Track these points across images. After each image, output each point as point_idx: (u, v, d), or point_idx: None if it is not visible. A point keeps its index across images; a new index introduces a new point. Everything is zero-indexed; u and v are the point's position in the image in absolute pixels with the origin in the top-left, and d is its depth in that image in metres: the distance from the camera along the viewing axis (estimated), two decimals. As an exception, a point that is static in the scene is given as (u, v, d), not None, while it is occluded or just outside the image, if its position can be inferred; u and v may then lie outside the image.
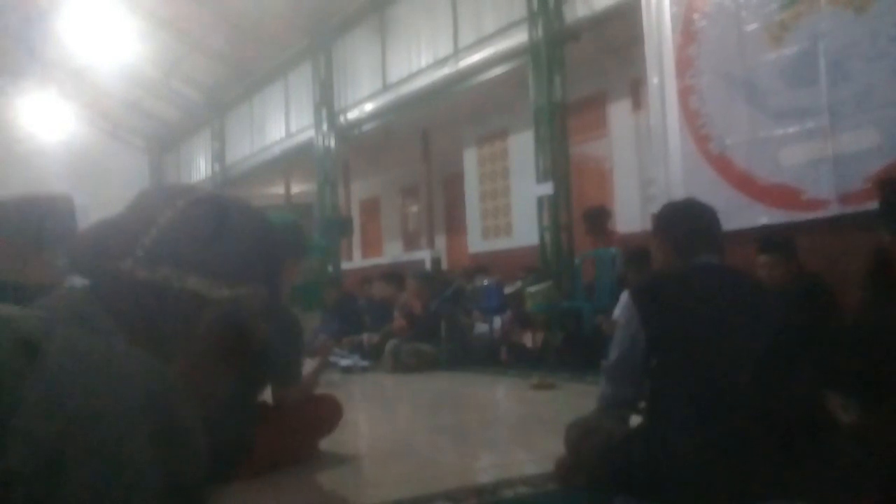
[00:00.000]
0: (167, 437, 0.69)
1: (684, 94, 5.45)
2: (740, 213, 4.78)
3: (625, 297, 5.08)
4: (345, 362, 6.40)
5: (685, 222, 2.15)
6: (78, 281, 0.92)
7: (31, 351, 0.67)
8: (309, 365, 3.15)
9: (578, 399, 3.80)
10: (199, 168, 15.67)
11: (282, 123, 12.54)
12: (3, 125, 14.58)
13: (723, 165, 5.14)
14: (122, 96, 14.72)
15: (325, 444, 2.99)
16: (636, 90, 7.75)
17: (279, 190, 14.32)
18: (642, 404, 2.08)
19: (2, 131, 14.53)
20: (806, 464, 1.76)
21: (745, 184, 4.98)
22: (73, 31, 11.84)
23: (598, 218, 6.39)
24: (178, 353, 0.87)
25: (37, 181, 14.41)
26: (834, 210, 4.48)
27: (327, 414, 3.00)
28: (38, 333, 0.68)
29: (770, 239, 3.98)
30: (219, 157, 14.64)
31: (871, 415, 2.04)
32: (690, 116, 5.40)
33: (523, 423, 3.94)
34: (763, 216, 4.84)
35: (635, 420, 2.12)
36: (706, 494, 1.74)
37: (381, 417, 4.48)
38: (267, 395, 2.89)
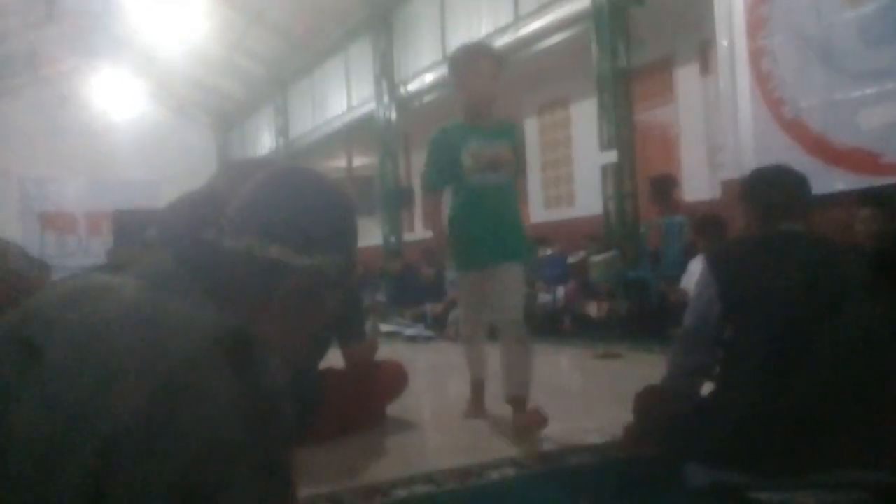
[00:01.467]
0: (257, 398, 0.73)
1: (756, 56, 5.25)
2: (815, 179, 4.50)
3: (694, 265, 5.01)
4: (409, 332, 6.49)
5: (770, 188, 2.09)
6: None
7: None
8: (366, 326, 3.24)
9: (644, 368, 3.77)
10: (264, 143, 15.96)
11: (343, 96, 12.63)
12: (78, 103, 15.12)
13: (797, 130, 4.95)
14: (188, 74, 15.06)
15: (391, 410, 3.06)
16: (704, 54, 7.50)
17: (341, 163, 14.47)
18: (715, 372, 2.05)
19: (77, 109, 15.08)
20: (883, 433, 1.72)
21: (820, 148, 4.79)
22: (141, 9, 12.16)
23: (664, 186, 6.25)
24: (260, 320, 0.90)
25: (109, 157, 14.99)
26: (916, 174, 4.28)
27: (393, 380, 3.07)
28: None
29: (875, 193, 3.85)
30: (282, 131, 14.87)
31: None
32: (762, 79, 5.20)
33: (589, 391, 3.93)
34: (839, 181, 4.65)
35: (707, 388, 2.09)
36: (779, 463, 1.72)
37: (445, 385, 4.54)
38: (334, 360, 2.96)
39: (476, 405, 3.13)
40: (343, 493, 2.04)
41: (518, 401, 2.76)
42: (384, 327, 5.20)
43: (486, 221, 2.82)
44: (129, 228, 5.58)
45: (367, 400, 2.90)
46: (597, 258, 6.32)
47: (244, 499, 0.69)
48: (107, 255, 5.75)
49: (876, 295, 1.87)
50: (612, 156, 6.81)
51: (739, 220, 2.15)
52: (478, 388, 3.17)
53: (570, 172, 9.63)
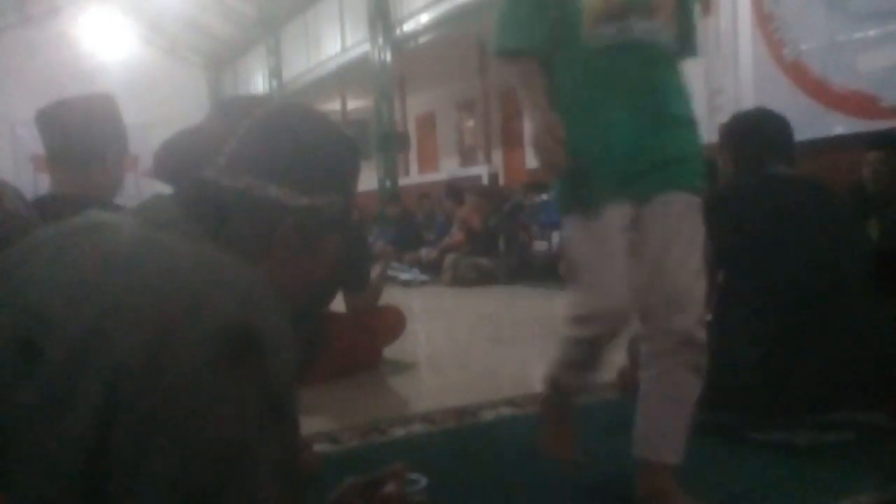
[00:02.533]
0: (262, 335, 0.73)
1: (757, -3, 5.15)
2: (815, 122, 4.57)
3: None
4: (405, 276, 6.51)
5: (755, 132, 2.08)
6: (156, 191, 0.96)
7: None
8: (373, 271, 3.24)
9: (638, 312, 3.81)
10: (257, 84, 15.71)
11: (337, 37, 12.39)
12: (66, 43, 14.81)
13: (797, 72, 4.89)
14: (178, 14, 14.72)
15: (389, 352, 3.10)
16: (705, -6, 7.36)
17: (335, 105, 14.29)
18: (707, 316, 2.07)
19: (65, 49, 14.77)
20: (878, 377, 1.75)
21: (820, 91, 4.74)
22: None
23: None
24: (261, 259, 0.90)
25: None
26: (915, 119, 4.25)
27: (391, 323, 3.10)
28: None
29: (881, 136, 3.82)
30: (275, 72, 14.63)
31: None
32: (763, 20, 5.12)
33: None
34: (839, 125, 4.63)
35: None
36: (773, 402, 1.75)
37: (441, 329, 4.59)
38: (335, 304, 2.98)
39: (562, 436, 1.73)
40: (342, 431, 2.08)
41: (650, 467, 1.58)
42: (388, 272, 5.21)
43: (631, 114, 1.51)
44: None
45: (366, 343, 2.94)
46: (592, 203, 6.30)
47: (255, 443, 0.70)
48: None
49: (863, 237, 1.88)
50: (609, 99, 6.73)
51: (724, 164, 2.14)
52: (566, 413, 1.75)
53: (566, 116, 9.52)
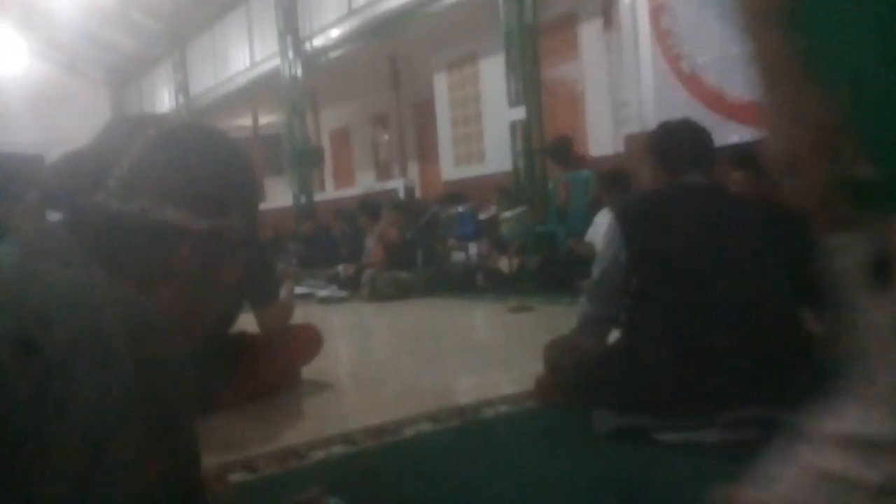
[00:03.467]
0: (152, 368, 0.70)
1: (656, 12, 5.37)
2: (712, 132, 4.77)
3: (600, 217, 5.14)
4: (322, 293, 6.43)
5: (675, 141, 2.16)
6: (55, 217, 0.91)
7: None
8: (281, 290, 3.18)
9: (554, 320, 3.88)
10: (163, 101, 15.25)
11: (246, 52, 12.18)
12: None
13: (694, 84, 5.12)
14: (77, 28, 14.14)
15: (306, 372, 3.04)
16: (607, 10, 7.61)
17: (247, 121, 14.02)
18: (621, 321, 2.13)
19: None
20: (782, 373, 1.83)
21: (716, 102, 4.98)
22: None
23: (562, 147, 6.40)
24: (157, 285, 0.86)
25: (-6, 118, 14.00)
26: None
27: (307, 342, 3.03)
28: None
29: (745, 155, 4.00)
30: (182, 88, 14.24)
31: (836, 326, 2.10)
32: (662, 35, 5.34)
33: (502, 345, 4.01)
34: (734, 134, 4.86)
35: (613, 337, 2.17)
36: (683, 403, 1.81)
37: (360, 345, 4.54)
38: (247, 325, 2.91)
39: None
40: (259, 458, 2.02)
41: None
42: (297, 289, 5.13)
43: None
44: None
45: (281, 363, 2.86)
46: (507, 214, 6.40)
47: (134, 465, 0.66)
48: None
49: (774, 243, 1.96)
50: (520, 112, 6.87)
51: (645, 173, 2.21)
52: None
53: (479, 129, 9.66)
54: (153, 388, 0.68)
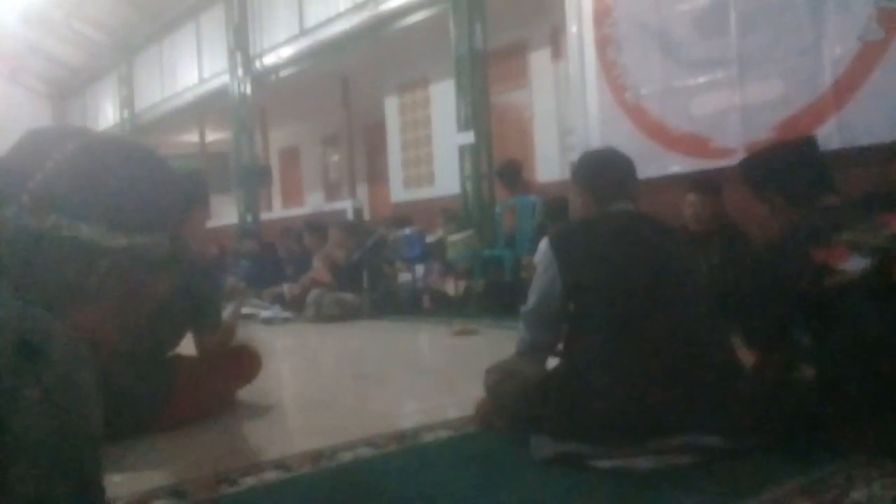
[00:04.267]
0: (56, 392, 0.66)
1: (602, 43, 5.49)
2: (653, 162, 4.90)
3: (543, 244, 5.19)
4: (265, 314, 6.32)
5: (602, 171, 2.20)
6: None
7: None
8: (225, 311, 3.10)
9: (499, 344, 3.87)
10: (107, 115, 14.91)
11: (194, 68, 12.02)
12: None
13: (638, 115, 5.24)
14: (18, 37, 13.75)
15: (245, 395, 2.97)
16: (556, 39, 7.77)
17: (193, 138, 13.80)
18: (559, 348, 2.14)
19: None
20: (713, 401, 1.86)
21: (658, 133, 5.10)
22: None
23: (511, 171, 6.47)
24: (71, 305, 0.83)
25: (-74, 128, 13.46)
26: (740, 158, 4.64)
27: (246, 364, 2.97)
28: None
29: (699, 180, 4.12)
30: (127, 103, 13.95)
31: (765, 357, 2.15)
32: (608, 66, 5.46)
33: (445, 369, 4.00)
34: (675, 164, 4.99)
35: (552, 363, 2.18)
36: (618, 430, 1.82)
37: (303, 367, 4.47)
38: (184, 346, 2.83)
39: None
40: (188, 483, 1.96)
41: None
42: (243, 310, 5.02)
43: None
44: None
45: (217, 386, 2.79)
46: (454, 237, 6.42)
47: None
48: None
49: (697, 269, 2.01)
50: (469, 137, 6.92)
51: (574, 200, 2.24)
52: None
53: (429, 153, 9.70)
54: (51, 413, 0.65)
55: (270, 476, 2.01)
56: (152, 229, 0.86)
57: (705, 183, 4.03)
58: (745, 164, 2.40)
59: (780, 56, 4.48)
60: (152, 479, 2.01)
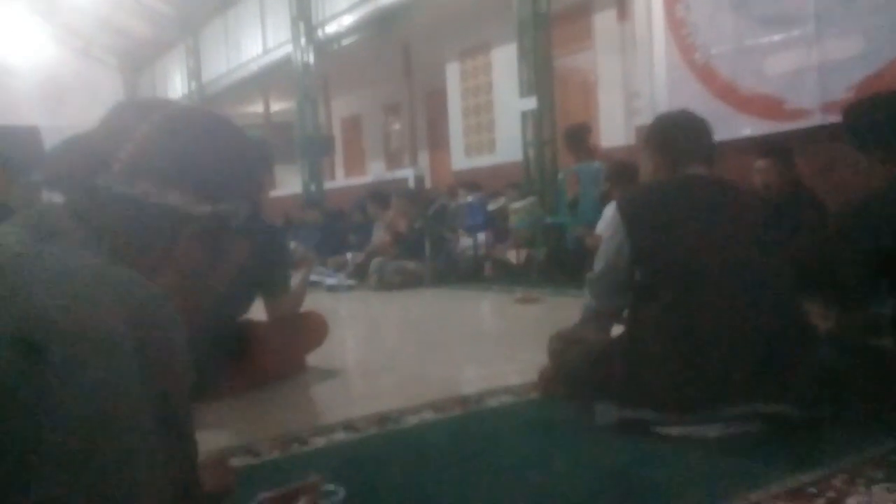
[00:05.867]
0: (154, 350, 0.70)
1: (671, 2, 5.32)
2: (723, 124, 4.72)
3: (608, 210, 5.11)
4: (330, 281, 6.44)
5: (676, 132, 2.13)
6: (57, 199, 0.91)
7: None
8: (294, 278, 3.18)
9: (561, 312, 3.87)
10: (175, 86, 15.29)
11: (258, 39, 12.18)
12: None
13: (707, 75, 5.08)
14: (91, 13, 14.17)
15: (312, 359, 3.05)
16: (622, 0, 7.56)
17: (258, 108, 14.04)
18: (625, 314, 2.12)
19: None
20: (784, 369, 1.82)
21: (728, 94, 4.94)
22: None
23: (579, 135, 6.34)
24: (160, 269, 0.86)
25: (10, 103, 14.06)
26: (816, 120, 4.47)
27: (313, 329, 3.05)
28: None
29: (770, 145, 3.99)
30: (195, 74, 14.27)
31: (845, 322, 2.09)
32: (676, 26, 5.29)
33: (507, 336, 4.01)
34: (746, 127, 4.83)
35: (617, 330, 2.16)
36: (685, 397, 1.80)
37: (366, 334, 4.56)
38: (255, 311, 2.92)
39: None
40: (261, 442, 2.03)
41: None
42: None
43: None
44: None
45: (287, 351, 2.88)
46: (516, 205, 6.39)
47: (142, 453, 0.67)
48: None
49: (780, 237, 1.95)
50: (531, 102, 6.83)
51: (645, 164, 2.19)
52: None
53: (491, 119, 9.63)
54: (156, 378, 0.69)
55: (339, 436, 2.07)
56: (233, 197, 0.89)
57: (776, 148, 3.89)
58: (850, 112, 2.27)
59: (859, 11, 4.26)
60: (229, 438, 2.10)
